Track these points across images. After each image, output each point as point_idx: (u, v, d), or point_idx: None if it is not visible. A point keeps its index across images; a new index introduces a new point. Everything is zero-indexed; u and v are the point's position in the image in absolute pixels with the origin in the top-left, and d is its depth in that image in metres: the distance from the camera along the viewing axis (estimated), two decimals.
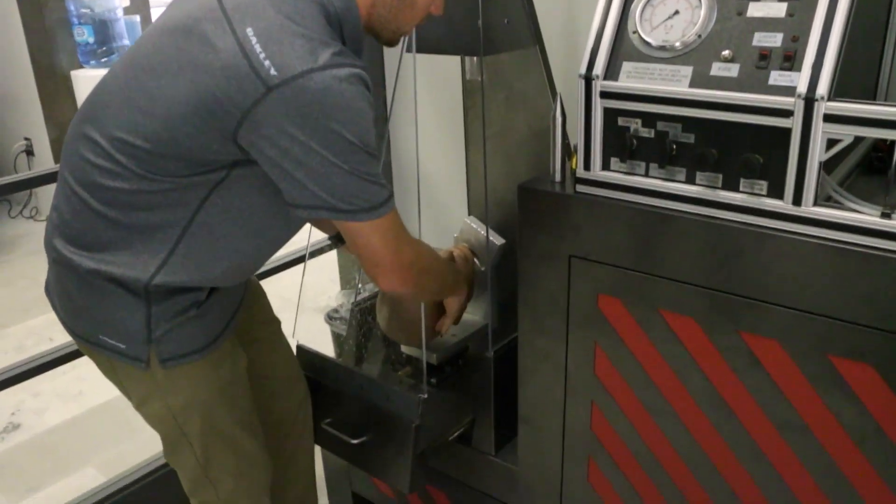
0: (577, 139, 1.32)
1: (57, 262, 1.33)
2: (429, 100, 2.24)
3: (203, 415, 1.38)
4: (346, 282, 2.64)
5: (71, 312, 1.37)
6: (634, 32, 1.22)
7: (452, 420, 1.69)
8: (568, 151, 1.39)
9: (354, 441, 1.62)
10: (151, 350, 1.30)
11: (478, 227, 1.76)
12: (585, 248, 1.33)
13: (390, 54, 2.29)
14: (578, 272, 1.36)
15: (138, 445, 2.50)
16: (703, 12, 1.16)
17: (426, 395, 1.54)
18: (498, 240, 1.69)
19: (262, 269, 1.71)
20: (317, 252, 2.34)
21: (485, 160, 1.64)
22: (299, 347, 1.78)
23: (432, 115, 2.27)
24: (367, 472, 1.80)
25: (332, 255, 2.52)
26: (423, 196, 2.44)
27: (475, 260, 1.75)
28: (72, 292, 1.33)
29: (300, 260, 2.34)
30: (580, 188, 1.32)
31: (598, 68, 1.23)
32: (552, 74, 1.75)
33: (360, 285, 2.44)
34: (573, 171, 1.41)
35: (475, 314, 1.88)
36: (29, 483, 2.36)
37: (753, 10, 1.13)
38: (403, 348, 1.84)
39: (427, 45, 1.62)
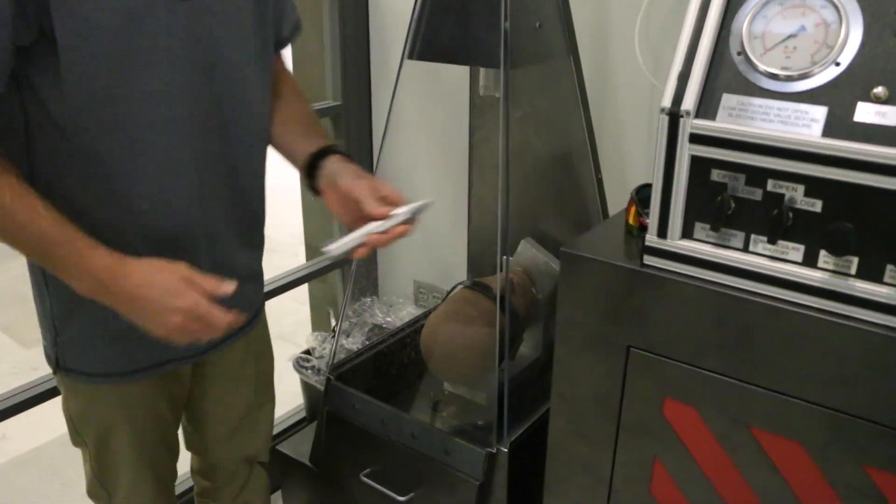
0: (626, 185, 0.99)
1: None
2: (429, 116, 1.88)
3: (99, 433, 1.15)
4: (319, 320, 2.27)
5: None
6: (740, 54, 0.89)
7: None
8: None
9: (401, 498, 1.36)
10: (58, 353, 1.09)
11: (536, 251, 1.45)
12: (651, 339, 1.00)
13: (387, 59, 1.93)
14: (639, 368, 1.02)
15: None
16: (842, 30, 0.83)
17: (494, 450, 1.28)
18: (558, 265, 1.39)
19: None
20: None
21: (507, 190, 1.29)
22: (331, 385, 1.47)
23: (431, 134, 1.91)
24: None
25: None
26: (423, 223, 2.09)
27: (532, 288, 1.51)
28: None
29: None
30: (649, 260, 0.98)
31: (689, 102, 0.89)
32: (586, 90, 1.42)
33: (336, 325, 2.08)
34: (632, 232, 1.08)
35: (526, 346, 1.60)
36: None
37: None
38: (446, 386, 1.56)
39: (435, 52, 1.26)
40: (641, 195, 1.09)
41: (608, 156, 1.52)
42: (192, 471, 1.41)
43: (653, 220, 0.96)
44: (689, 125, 0.89)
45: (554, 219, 1.54)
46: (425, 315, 1.72)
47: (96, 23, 0.88)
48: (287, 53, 2.25)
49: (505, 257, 1.30)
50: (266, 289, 1.34)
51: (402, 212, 0.99)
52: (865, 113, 0.81)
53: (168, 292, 0.92)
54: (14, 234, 0.91)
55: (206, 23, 0.98)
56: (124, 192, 0.98)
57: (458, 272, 2.00)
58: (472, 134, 1.59)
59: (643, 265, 0.98)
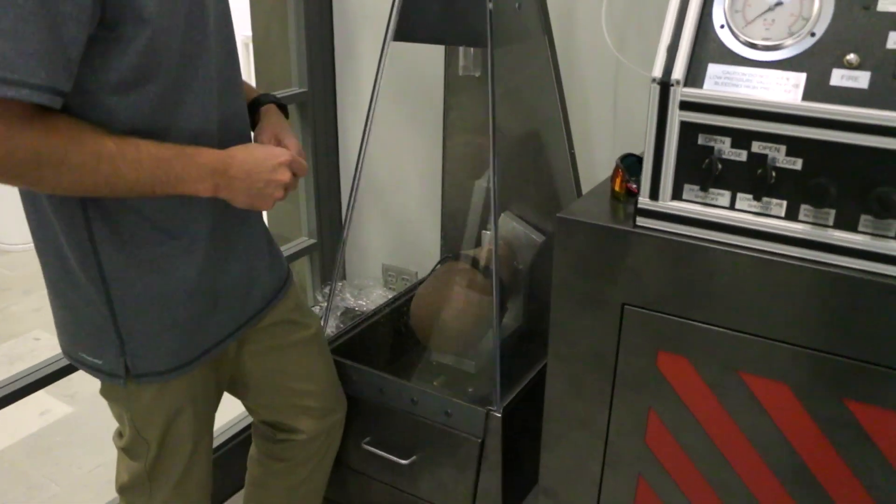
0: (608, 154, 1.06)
1: None
2: (402, 97, 1.91)
3: (165, 424, 1.20)
4: None
5: (56, 324, 1.16)
6: (723, 27, 0.96)
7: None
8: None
9: (404, 462, 1.41)
10: (127, 362, 1.11)
11: (516, 223, 1.52)
12: (645, 296, 1.07)
13: (352, 44, 1.95)
14: (633, 324, 1.09)
15: None
16: (816, 3, 0.91)
17: (495, 409, 1.34)
18: (538, 236, 1.45)
19: None
20: None
21: (495, 166, 1.33)
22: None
23: (404, 115, 1.94)
24: (417, 498, 1.54)
25: None
26: (391, 205, 2.12)
27: (514, 260, 1.59)
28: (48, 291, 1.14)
29: None
30: (642, 221, 1.05)
31: (678, 72, 0.96)
32: (559, 68, 1.48)
33: (319, 306, 2.10)
34: (619, 198, 1.15)
35: (508, 317, 1.66)
36: None
37: (886, 3, 0.89)
38: (435, 355, 1.61)
39: (420, 33, 1.30)
40: (626, 163, 1.16)
41: (575, 131, 1.59)
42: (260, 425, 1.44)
43: (645, 184, 1.03)
44: (679, 93, 0.96)
45: (530, 193, 1.60)
46: (412, 289, 1.76)
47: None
48: (248, 41, 2.23)
49: (494, 222, 1.35)
50: None
51: None
52: (840, 78, 0.90)
53: (267, 154, 1.08)
54: (130, 173, 0.95)
55: None
56: None
57: (425, 254, 2.04)
58: (446, 114, 1.63)
59: (636, 226, 1.05)
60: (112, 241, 1.04)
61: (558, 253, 1.12)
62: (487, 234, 1.66)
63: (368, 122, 1.40)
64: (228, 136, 1.11)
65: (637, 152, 1.16)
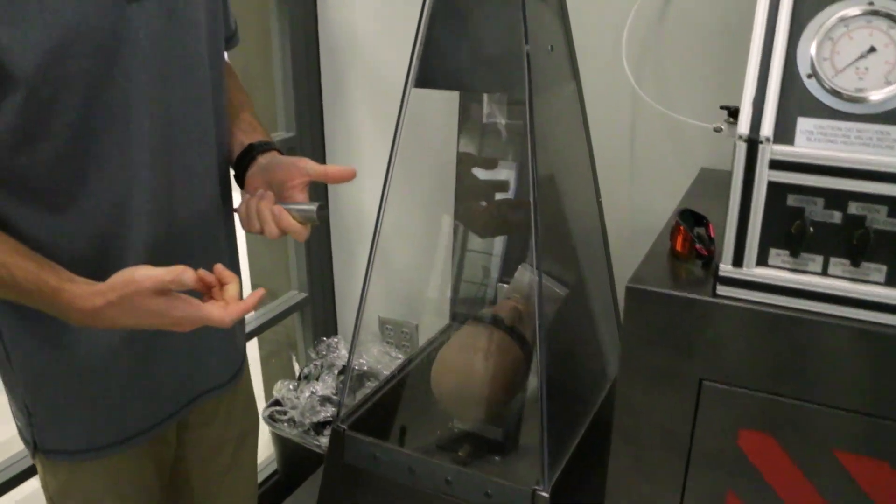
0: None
1: None
2: (411, 143, 1.79)
3: None
4: (280, 368, 2.12)
5: None
6: (811, 76, 0.87)
7: None
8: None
9: None
10: (34, 434, 1.00)
11: (534, 275, 1.41)
12: (726, 371, 0.97)
13: (339, 88, 1.83)
14: (712, 400, 0.99)
15: None
16: None
17: (542, 489, 1.21)
18: (561, 289, 1.34)
19: None
20: None
21: (535, 217, 1.22)
22: (346, 436, 1.35)
23: (406, 159, 1.81)
24: None
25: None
26: (388, 255, 1.98)
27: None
28: None
29: None
30: (723, 290, 0.95)
31: (766, 128, 0.87)
32: (587, 113, 1.39)
33: (306, 368, 1.96)
34: (681, 259, 1.06)
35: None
36: None
37: None
38: (455, 423, 1.46)
39: (446, 79, 1.19)
40: (686, 222, 1.07)
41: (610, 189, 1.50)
42: None
43: (727, 250, 0.93)
44: (769, 151, 0.87)
45: (552, 243, 1.50)
46: (422, 351, 1.64)
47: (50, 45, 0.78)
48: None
49: (538, 279, 1.23)
50: None
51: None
52: None
53: (151, 313, 0.83)
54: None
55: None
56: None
57: (426, 305, 1.92)
58: (459, 161, 1.52)
59: (716, 295, 0.95)
60: (9, 309, 0.91)
61: (628, 324, 1.01)
62: (505, 288, 1.55)
63: (390, 171, 1.28)
64: (181, 244, 0.96)
65: (663, 197, 1.08)
